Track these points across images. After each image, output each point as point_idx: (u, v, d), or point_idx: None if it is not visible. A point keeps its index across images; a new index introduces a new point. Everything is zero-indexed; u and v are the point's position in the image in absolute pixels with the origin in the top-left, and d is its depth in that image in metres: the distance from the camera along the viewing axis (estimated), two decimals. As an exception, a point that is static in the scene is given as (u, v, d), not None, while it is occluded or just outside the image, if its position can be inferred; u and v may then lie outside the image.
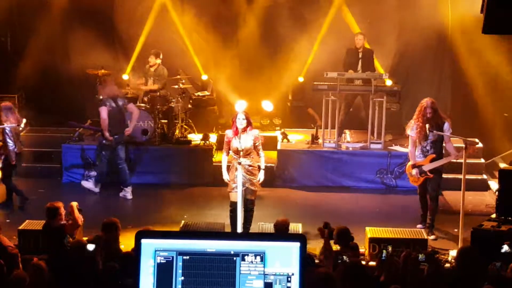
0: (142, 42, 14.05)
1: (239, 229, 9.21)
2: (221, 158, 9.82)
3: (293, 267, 3.73)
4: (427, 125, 9.83)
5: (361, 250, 9.15)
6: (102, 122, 11.78)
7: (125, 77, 13.91)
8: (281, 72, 14.11)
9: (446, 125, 9.88)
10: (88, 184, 12.08)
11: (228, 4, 14.31)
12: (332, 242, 8.01)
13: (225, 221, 9.75)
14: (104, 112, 11.74)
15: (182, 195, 12.00)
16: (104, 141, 11.84)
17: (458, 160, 9.69)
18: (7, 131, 10.98)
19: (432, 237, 9.95)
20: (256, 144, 9.49)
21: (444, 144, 10.10)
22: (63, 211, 8.52)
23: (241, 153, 9.37)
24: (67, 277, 7.12)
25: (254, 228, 9.66)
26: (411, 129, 10.01)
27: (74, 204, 8.63)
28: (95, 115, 13.32)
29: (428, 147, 9.98)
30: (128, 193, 11.80)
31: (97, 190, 12.00)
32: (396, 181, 12.37)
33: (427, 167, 9.95)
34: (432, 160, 9.93)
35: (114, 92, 12.02)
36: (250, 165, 9.46)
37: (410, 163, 10.18)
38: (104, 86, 12.27)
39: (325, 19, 13.86)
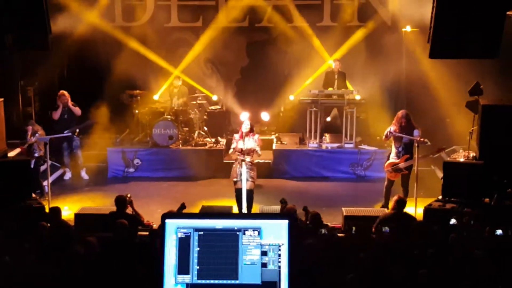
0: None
1: (244, 210, 9.19)
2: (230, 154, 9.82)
3: (283, 239, 3.70)
4: (401, 135, 9.59)
5: (338, 225, 9.12)
6: None
7: (155, 97, 13.76)
8: (276, 92, 14.06)
9: (416, 132, 9.70)
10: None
11: (232, 43, 14.24)
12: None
13: (232, 205, 9.71)
14: None
15: (200, 185, 11.93)
16: None
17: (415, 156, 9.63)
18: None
19: None
20: (256, 144, 9.48)
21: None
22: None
23: (244, 152, 9.39)
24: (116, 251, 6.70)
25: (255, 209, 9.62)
26: (388, 132, 9.67)
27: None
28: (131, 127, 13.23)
29: (400, 149, 9.78)
30: None
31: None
32: (364, 172, 12.30)
33: (403, 165, 9.76)
34: (406, 160, 9.79)
35: None
36: (250, 162, 9.46)
37: (387, 162, 9.94)
38: None
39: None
